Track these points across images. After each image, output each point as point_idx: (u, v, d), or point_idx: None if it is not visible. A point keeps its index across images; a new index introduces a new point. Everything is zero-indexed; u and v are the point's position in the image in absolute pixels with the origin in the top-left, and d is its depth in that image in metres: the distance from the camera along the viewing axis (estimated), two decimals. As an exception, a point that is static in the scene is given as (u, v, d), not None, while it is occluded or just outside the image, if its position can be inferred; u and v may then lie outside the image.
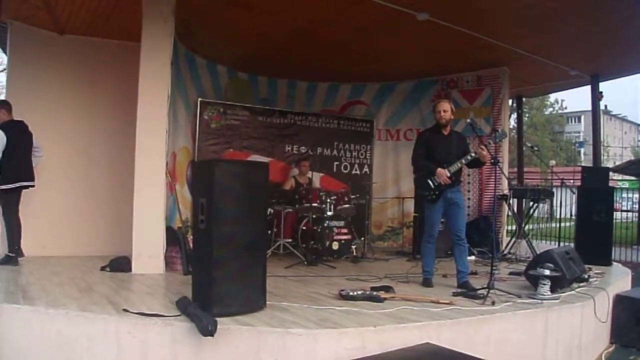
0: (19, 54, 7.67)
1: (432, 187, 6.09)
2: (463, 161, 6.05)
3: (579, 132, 57.69)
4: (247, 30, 8.27)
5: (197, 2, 7.19)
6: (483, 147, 5.96)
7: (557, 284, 5.62)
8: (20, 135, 6.90)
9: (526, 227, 9.69)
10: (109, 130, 8.11)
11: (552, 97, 48.94)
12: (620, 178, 27.72)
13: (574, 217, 9.69)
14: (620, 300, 6.37)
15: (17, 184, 6.84)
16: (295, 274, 6.94)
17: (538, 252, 7.25)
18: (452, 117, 6.22)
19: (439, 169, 6.02)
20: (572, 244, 8.44)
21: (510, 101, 11.99)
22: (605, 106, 49.91)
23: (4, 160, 6.63)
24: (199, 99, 9.34)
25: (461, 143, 6.33)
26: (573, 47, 8.83)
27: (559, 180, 10.26)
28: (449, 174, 6.00)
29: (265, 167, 4.87)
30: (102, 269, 6.55)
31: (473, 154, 6.01)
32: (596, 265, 7.68)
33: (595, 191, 8.70)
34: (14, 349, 4.16)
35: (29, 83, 7.62)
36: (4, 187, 6.70)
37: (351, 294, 5.10)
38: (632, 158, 40.94)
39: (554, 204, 12.30)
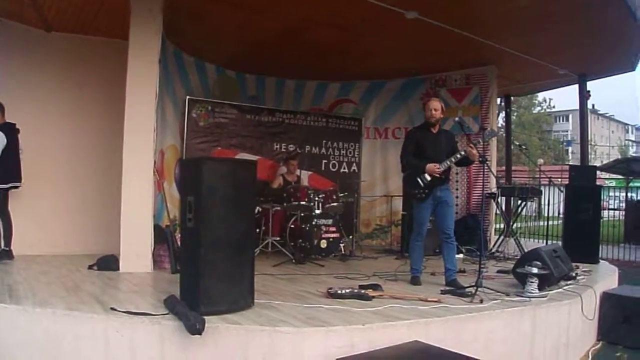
0: (4, 52, 7.57)
1: (422, 185, 6.08)
2: (452, 159, 6.03)
3: (567, 131, 58.00)
4: (236, 28, 8.25)
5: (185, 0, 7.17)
6: (472, 145, 5.97)
7: (545, 282, 5.64)
8: (14, 137, 6.98)
9: (514, 226, 9.74)
10: (96, 129, 8.05)
11: (540, 96, 49.30)
12: (607, 177, 27.91)
13: (561, 216, 9.75)
14: (607, 298, 6.41)
15: (10, 184, 6.93)
16: (284, 272, 6.92)
17: (526, 250, 7.29)
18: (442, 115, 6.24)
19: (428, 164, 6.02)
20: (559, 242, 8.49)
21: (498, 100, 12.04)
22: (593, 105, 50.24)
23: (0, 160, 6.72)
24: (187, 97, 9.32)
25: (450, 141, 6.33)
26: (561, 46, 8.86)
27: (547, 179, 10.33)
28: (439, 168, 6.00)
29: (253, 165, 4.87)
30: (90, 267, 6.52)
31: (462, 153, 6.01)
32: (583, 263, 7.73)
33: (583, 189, 8.75)
34: (1, 348, 4.13)
35: (14, 81, 7.54)
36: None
37: (339, 292, 5.09)
38: (619, 157, 41.18)
39: (542, 203, 12.39)
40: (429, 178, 6.03)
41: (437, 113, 6.16)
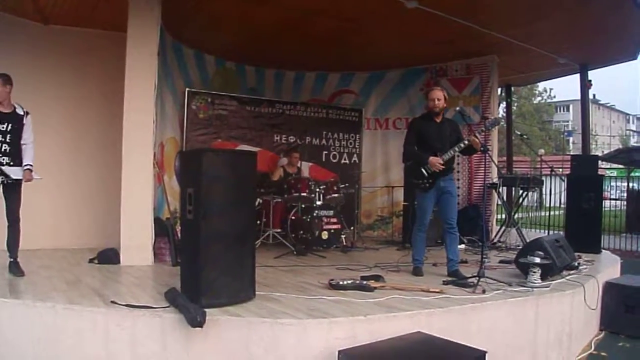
0: (0, 45, 7.50)
1: (425, 175, 6.04)
2: (456, 149, 5.97)
3: (568, 121, 57.99)
4: (235, 20, 8.19)
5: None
6: (476, 135, 5.93)
7: (548, 272, 5.62)
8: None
9: (516, 216, 9.71)
10: (95, 122, 8.03)
11: (541, 86, 49.24)
12: (608, 167, 27.87)
13: (563, 206, 9.72)
14: (609, 288, 6.41)
15: None
16: (285, 264, 6.91)
17: (528, 241, 7.27)
18: (445, 105, 6.17)
19: (431, 157, 5.97)
20: (561, 232, 8.47)
21: (499, 90, 11.99)
22: (594, 95, 50.21)
23: None
24: (187, 89, 9.28)
25: (455, 130, 6.25)
26: (562, 35, 8.82)
27: (549, 169, 10.29)
28: (442, 162, 5.96)
29: (254, 156, 4.83)
30: (90, 261, 6.51)
31: (466, 142, 5.95)
32: (586, 253, 7.72)
33: (585, 179, 8.71)
34: (2, 342, 4.12)
35: (11, 74, 7.36)
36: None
37: (341, 283, 5.08)
38: (621, 147, 41.17)
39: (544, 193, 12.35)
40: (432, 168, 6.00)
41: (440, 103, 6.09)
